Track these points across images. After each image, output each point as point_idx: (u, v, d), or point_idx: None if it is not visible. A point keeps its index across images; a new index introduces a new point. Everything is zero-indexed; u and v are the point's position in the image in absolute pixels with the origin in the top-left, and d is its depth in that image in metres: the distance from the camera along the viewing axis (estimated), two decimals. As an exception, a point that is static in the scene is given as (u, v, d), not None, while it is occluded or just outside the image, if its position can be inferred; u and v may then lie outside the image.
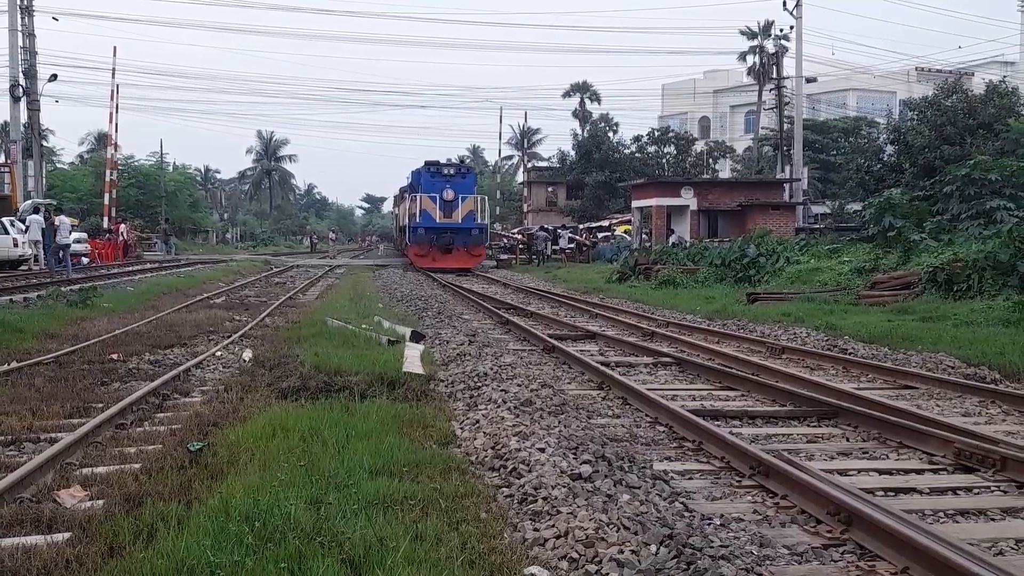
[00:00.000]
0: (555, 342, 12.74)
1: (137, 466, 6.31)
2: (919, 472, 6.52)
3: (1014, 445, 6.76)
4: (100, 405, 8.37)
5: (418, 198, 38.11)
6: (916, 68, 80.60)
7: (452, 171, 39.19)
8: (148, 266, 35.33)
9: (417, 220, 37.73)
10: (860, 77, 79.66)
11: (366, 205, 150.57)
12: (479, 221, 38.72)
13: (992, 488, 6.11)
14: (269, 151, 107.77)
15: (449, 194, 37.60)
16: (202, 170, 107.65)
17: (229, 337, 13.57)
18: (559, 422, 7.43)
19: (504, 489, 5.84)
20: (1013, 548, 5.02)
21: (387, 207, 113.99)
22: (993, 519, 5.53)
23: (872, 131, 56.18)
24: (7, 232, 29.71)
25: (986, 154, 30.02)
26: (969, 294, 17.54)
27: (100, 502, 5.55)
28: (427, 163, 39.56)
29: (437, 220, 37.20)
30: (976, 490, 6.08)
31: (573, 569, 4.52)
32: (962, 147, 34.30)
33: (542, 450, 6.43)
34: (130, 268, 32.95)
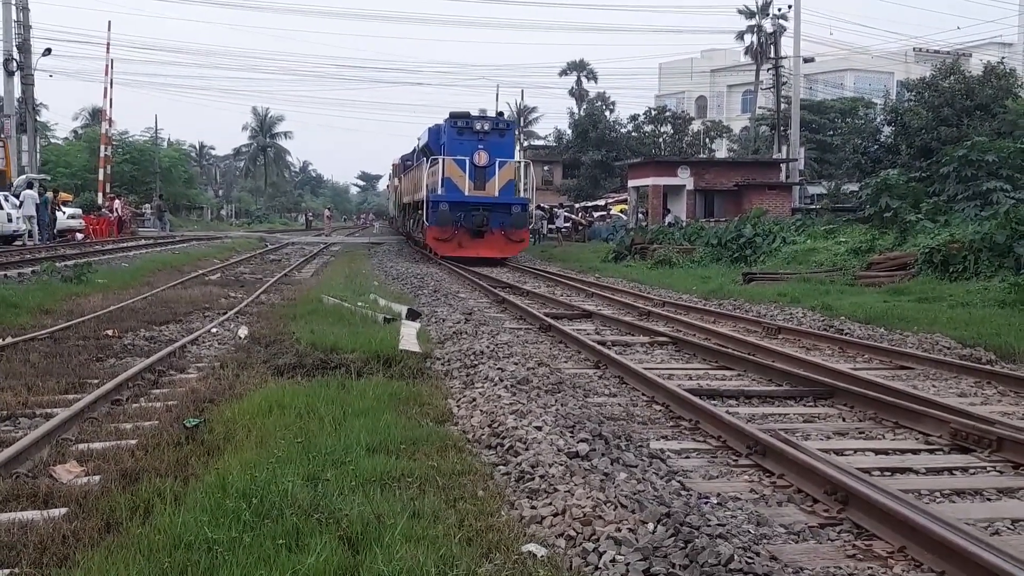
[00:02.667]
0: (552, 321, 12.73)
1: (133, 442, 6.30)
2: (915, 452, 6.54)
3: (1010, 426, 6.78)
4: (96, 381, 8.35)
5: (440, 163, 28.05)
6: (914, 49, 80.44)
7: (486, 126, 28.31)
8: (143, 242, 35.23)
9: (439, 192, 27.88)
10: (858, 57, 79.47)
11: (361, 183, 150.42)
12: (522, 194, 29.48)
13: (988, 468, 6.13)
14: (264, 127, 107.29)
15: (482, 157, 27.73)
16: (197, 146, 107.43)
17: (224, 314, 13.54)
18: (556, 400, 7.43)
19: (501, 467, 5.85)
20: (1009, 528, 5.05)
21: (382, 184, 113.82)
22: (989, 499, 5.55)
23: (869, 112, 55.98)
24: (1, 207, 29.56)
25: (983, 135, 29.97)
26: (965, 275, 17.55)
27: (96, 478, 5.55)
28: (452, 115, 28.57)
29: (466, 192, 27.39)
30: (972, 470, 6.10)
31: (570, 547, 4.52)
32: (959, 128, 34.26)
33: (539, 428, 6.43)
34: (125, 244, 32.85)
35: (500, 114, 30.98)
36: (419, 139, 34.29)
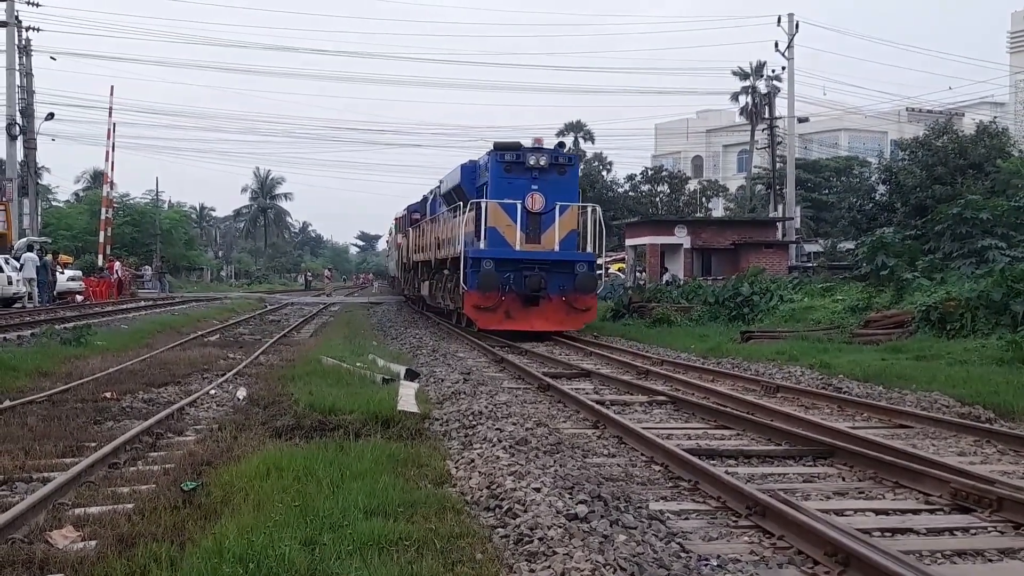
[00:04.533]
0: (550, 380, 12.71)
1: (130, 506, 6.26)
2: (915, 512, 6.49)
3: (1010, 485, 6.74)
4: (93, 444, 8.31)
5: (483, 209, 21.52)
6: (907, 108, 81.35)
7: (543, 160, 21.33)
8: (142, 304, 35.26)
9: (480, 246, 21.44)
10: (851, 117, 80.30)
11: (360, 243, 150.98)
12: (589, 249, 22.29)
13: (989, 529, 6.08)
14: (265, 189, 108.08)
15: (537, 201, 21.24)
16: (197, 208, 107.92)
17: (223, 375, 13.51)
18: (555, 461, 7.39)
19: (500, 529, 5.80)
20: (1011, 589, 5.00)
21: (381, 244, 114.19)
22: (990, 560, 5.50)
23: (864, 170, 56.52)
24: (1, 270, 29.64)
25: (977, 194, 30.19)
26: (962, 333, 17.57)
27: (93, 543, 5.50)
28: (498, 147, 21.69)
29: (517, 246, 21.00)
30: (973, 531, 6.05)
31: (569, 611, 4.47)
32: (953, 187, 34.52)
33: (538, 490, 6.39)
34: (124, 306, 32.87)
35: (560, 144, 22.84)
36: (441, 183, 27.86)
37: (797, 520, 5.70)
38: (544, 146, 21.70)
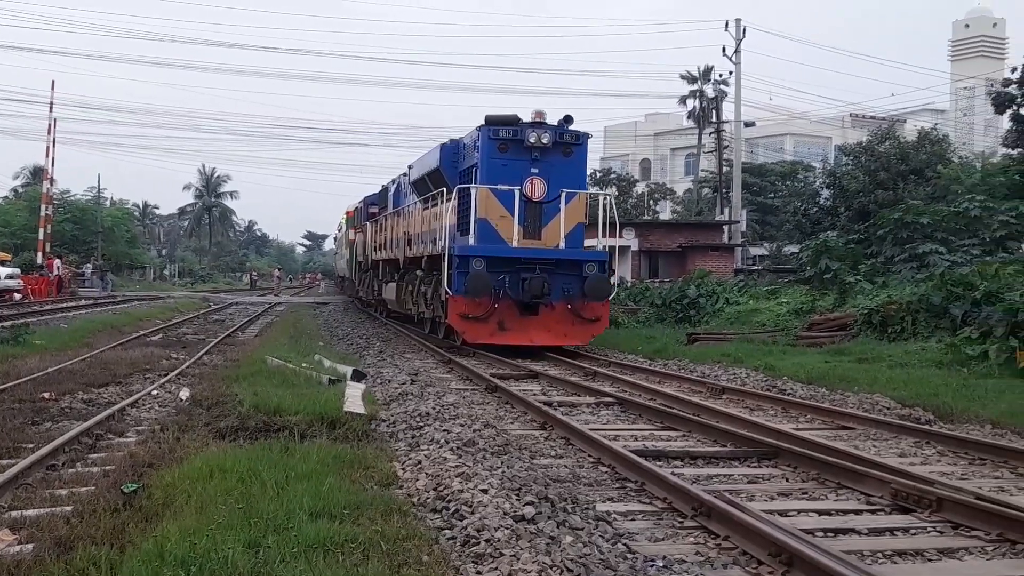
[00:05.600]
0: (498, 381, 12.72)
1: (69, 509, 6.14)
2: (857, 513, 6.58)
3: (949, 486, 6.87)
4: (31, 446, 8.13)
5: (472, 196, 17.79)
6: (851, 114, 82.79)
7: (545, 138, 17.50)
8: (83, 303, 34.62)
9: (470, 241, 17.84)
10: (797, 122, 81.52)
11: (307, 242, 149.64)
12: (598, 246, 19.07)
13: (929, 529, 6.19)
14: (210, 187, 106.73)
15: (538, 187, 17.58)
16: (140, 206, 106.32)
17: (166, 376, 13.32)
18: (502, 463, 7.39)
19: (446, 531, 5.78)
20: (950, 588, 5.08)
21: (328, 244, 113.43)
22: (930, 559, 5.59)
23: (808, 175, 57.38)
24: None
25: (918, 199, 30.83)
26: (903, 336, 17.90)
27: (29, 546, 5.39)
28: (490, 121, 17.69)
29: (514, 242, 17.38)
30: (913, 531, 6.15)
31: (516, 613, 4.47)
32: (895, 192, 35.17)
33: (485, 491, 6.38)
34: (64, 305, 32.24)
35: (567, 119, 17.88)
36: (410, 168, 23.60)
37: (742, 521, 5.75)
38: (547, 120, 17.74)
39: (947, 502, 6.40)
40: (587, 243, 19.12)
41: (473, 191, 17.61)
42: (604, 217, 18.10)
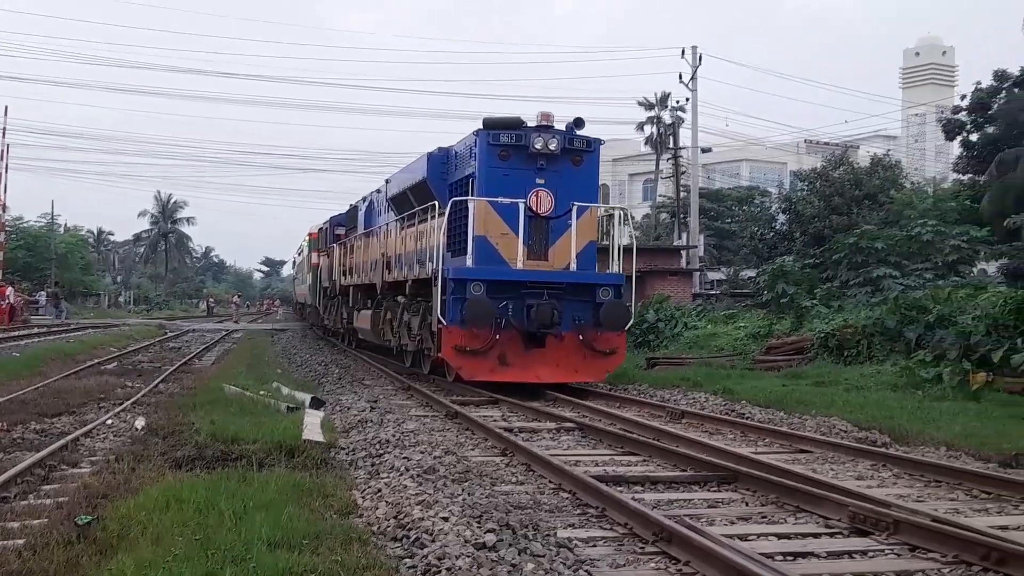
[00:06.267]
0: (458, 408, 12.68)
1: (21, 542, 6.02)
2: (816, 536, 6.62)
3: (906, 508, 6.94)
4: (-19, 477, 7.98)
5: (469, 209, 15.47)
6: (805, 140, 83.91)
7: (553, 144, 15.35)
8: (36, 331, 34.09)
9: (467, 263, 15.32)
10: (753, 148, 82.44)
11: (265, 268, 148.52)
12: (615, 266, 16.49)
13: (886, 551, 6.24)
14: (166, 213, 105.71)
15: (544, 200, 15.45)
16: (95, 232, 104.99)
17: (121, 404, 13.13)
18: (463, 490, 7.37)
19: (407, 560, 5.74)
20: (908, 610, 5.13)
21: (287, 270, 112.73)
22: (888, 582, 5.64)
23: (765, 200, 57.95)
24: None
25: (872, 224, 31.28)
26: (859, 359, 18.11)
27: (-20, 581, 5.28)
28: (489, 124, 15.61)
29: (518, 264, 15.20)
30: (871, 553, 6.20)
31: (478, 642, 4.44)
32: (849, 217, 35.65)
33: (446, 519, 6.35)
34: (16, 333, 31.72)
35: (577, 122, 15.65)
36: (387, 183, 21.11)
37: (702, 546, 5.76)
38: (554, 124, 15.59)
39: (904, 524, 6.46)
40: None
41: (471, 205, 15.21)
42: (620, 233, 16.22)
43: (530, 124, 15.50)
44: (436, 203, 16.15)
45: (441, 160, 17.15)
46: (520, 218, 14.93)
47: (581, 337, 15.07)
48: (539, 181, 15.28)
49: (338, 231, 29.12)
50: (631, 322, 16.17)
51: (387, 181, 21.17)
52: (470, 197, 15.34)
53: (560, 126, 15.67)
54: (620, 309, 15.36)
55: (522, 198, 14.99)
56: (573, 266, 15.39)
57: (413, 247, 17.59)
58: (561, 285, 15.12)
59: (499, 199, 15.05)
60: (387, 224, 20.50)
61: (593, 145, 15.88)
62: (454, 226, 15.63)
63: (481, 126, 15.49)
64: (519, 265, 15.04)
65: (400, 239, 18.82)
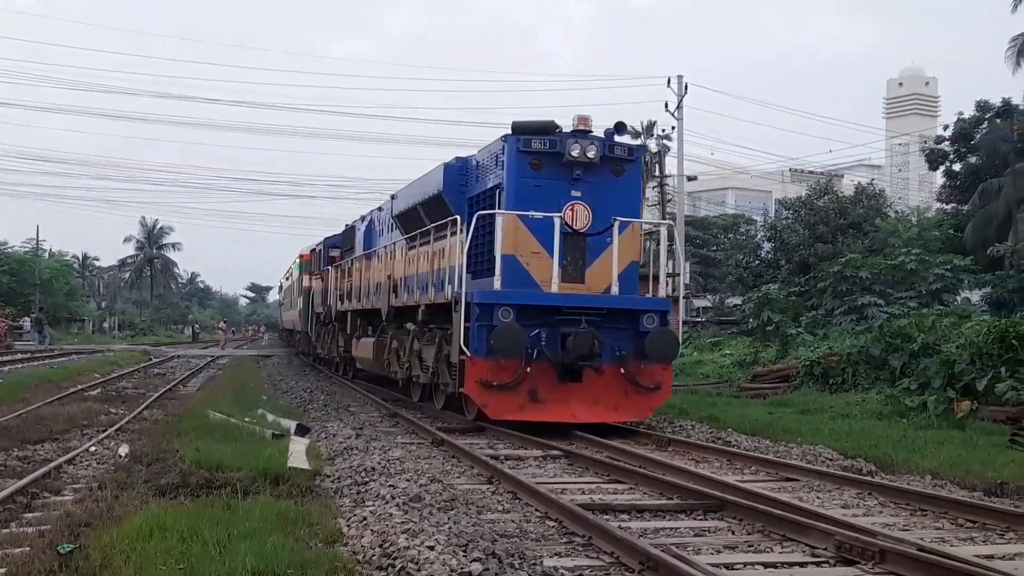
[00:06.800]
0: (444, 435, 12.62)
1: (2, 571, 5.95)
2: (802, 565, 6.61)
3: (892, 537, 6.94)
4: (-38, 505, 7.91)
5: (497, 224, 13.59)
6: (790, 169, 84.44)
7: (592, 152, 13.57)
8: (19, 356, 33.86)
9: (495, 285, 13.48)
10: (738, 177, 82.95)
11: (251, 294, 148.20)
12: (664, 290, 14.71)
13: (872, 580, 6.23)
14: (152, 239, 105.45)
15: (580, 214, 13.72)
16: (80, 257, 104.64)
17: (104, 431, 13.03)
18: (449, 518, 7.33)
19: (392, 589, 5.70)
20: (894, 640, 5.11)
21: (272, 296, 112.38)
22: (874, 611, 5.63)
23: (750, 228, 58.26)
24: None
25: (856, 252, 31.44)
26: (844, 387, 18.16)
27: (-41, 611, 5.21)
28: (520, 128, 13.88)
29: (553, 287, 13.38)
30: (857, 582, 6.19)
31: (463, 672, 4.41)
32: (834, 245, 35.86)
33: (431, 548, 6.31)
34: (-1, 358, 31.52)
35: (618, 127, 14.13)
36: (393, 199, 19.38)
37: (688, 575, 5.74)
38: (591, 129, 13.88)
39: (890, 553, 6.45)
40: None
41: (499, 219, 13.36)
42: (668, 250, 14.51)
43: (567, 130, 13.86)
44: (455, 219, 14.22)
45: (459, 171, 15.40)
46: (555, 235, 13.10)
47: (623, 370, 13.24)
48: (575, 193, 13.60)
49: (333, 253, 27.61)
50: (679, 348, 14.46)
51: (392, 197, 19.46)
52: (497, 211, 13.57)
53: (597, 132, 14.03)
54: (669, 338, 13.52)
55: (556, 212, 13.30)
56: (615, 289, 13.54)
57: (426, 268, 15.91)
58: (602, 311, 13.33)
59: (530, 213, 13.35)
60: (393, 244, 18.96)
61: (635, 153, 14.35)
62: (477, 244, 13.87)
63: (510, 130, 13.75)
64: (554, 288, 13.17)
65: (408, 260, 17.27)
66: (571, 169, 13.57)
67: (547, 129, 13.70)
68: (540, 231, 13.39)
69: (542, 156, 13.56)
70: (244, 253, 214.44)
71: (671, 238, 14.21)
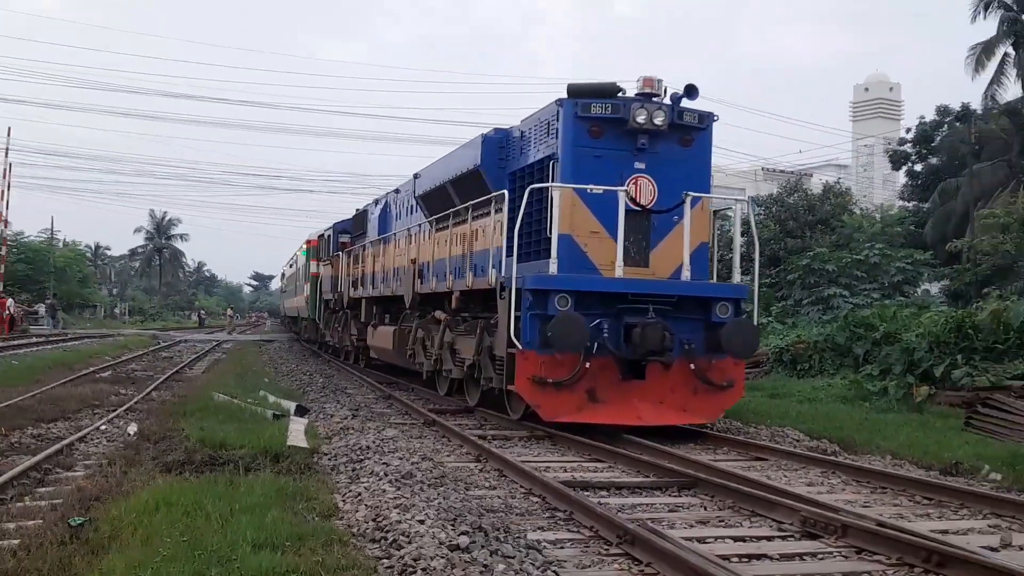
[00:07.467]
0: (435, 416, 12.62)
1: (16, 542, 5.94)
2: (769, 539, 6.63)
3: (853, 513, 6.98)
4: (-21, 480, 7.87)
5: (551, 200, 11.04)
6: (762, 168, 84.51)
7: (659, 119, 11.27)
8: (34, 340, 33.69)
9: (551, 269, 10.90)
10: (714, 175, 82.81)
11: (254, 283, 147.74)
12: (736, 274, 12.43)
13: (834, 554, 6.26)
14: (161, 230, 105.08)
15: (645, 189, 11.42)
16: (92, 247, 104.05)
17: (114, 411, 12.99)
18: (438, 494, 7.32)
19: (385, 560, 5.70)
20: (854, 609, 5.14)
21: (275, 284, 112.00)
22: (836, 582, 5.65)
23: (724, 224, 58.28)
24: None
25: (824, 247, 31.52)
26: (811, 372, 18.23)
27: (-25, 580, 5.20)
28: (576, 91, 11.49)
29: (618, 271, 10.94)
30: (820, 555, 6.22)
31: (450, 639, 4.41)
32: (803, 240, 35.89)
33: (422, 522, 6.31)
34: (15, 342, 31.32)
35: (689, 90, 11.47)
36: (415, 178, 17.01)
37: (663, 548, 5.76)
38: (658, 93, 11.58)
39: (851, 528, 6.48)
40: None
41: (555, 194, 10.94)
42: (742, 232, 12.46)
43: (632, 95, 11.60)
44: (502, 194, 12.02)
45: (499, 144, 13.16)
46: (620, 212, 10.81)
47: (693, 366, 11.06)
48: (639, 165, 11.41)
49: (343, 239, 25.22)
50: (758, 342, 12.36)
51: (415, 176, 17.00)
52: (552, 183, 11.22)
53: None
54: (749, 329, 11.32)
55: (622, 182, 11.13)
56: (686, 274, 11.35)
57: (459, 251, 13.83)
58: (672, 298, 11.14)
59: (590, 187, 11.11)
60: (418, 226, 16.65)
61: (706, 121, 11.88)
62: (526, 222, 11.46)
63: (565, 93, 11.47)
64: (618, 272, 10.90)
65: (436, 242, 15.16)
66: (635, 138, 11.32)
67: (609, 91, 11.45)
68: (600, 208, 11.15)
69: (603, 123, 11.27)
70: (248, 243, 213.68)
71: (746, 219, 12.13)
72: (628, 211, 10.89)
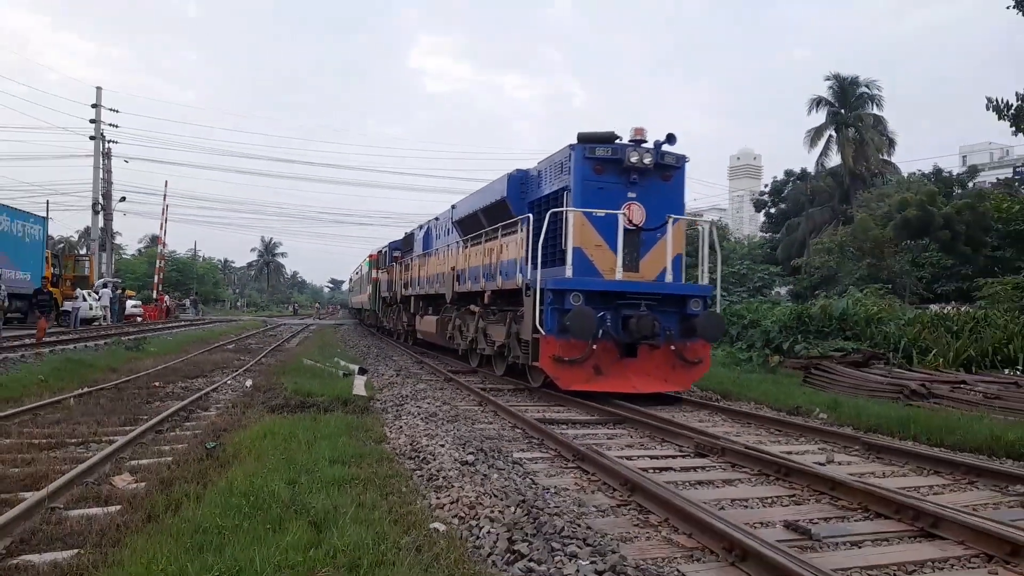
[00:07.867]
0: (452, 375, 12.56)
1: (170, 459, 5.90)
2: (674, 457, 6.64)
3: (729, 440, 6.99)
4: (145, 417, 7.82)
5: (566, 221, 10.05)
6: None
7: (647, 159, 10.34)
8: (182, 323, 33.43)
9: (567, 273, 9.94)
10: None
11: (331, 285, 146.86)
12: (704, 277, 11.10)
13: (717, 467, 6.27)
14: (268, 249, 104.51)
15: (636, 212, 10.43)
16: (222, 261, 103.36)
17: (236, 371, 12.90)
18: (454, 427, 7.31)
19: (417, 471, 5.69)
20: (729, 504, 5.16)
21: (346, 286, 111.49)
22: (717, 487, 5.66)
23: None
24: (86, 300, 27.89)
25: (710, 263, 31.56)
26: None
27: (142, 484, 5.17)
28: (585, 138, 10.45)
29: (618, 275, 10.01)
30: (707, 468, 6.22)
31: (461, 524, 4.41)
32: (695, 259, 36.01)
33: (442, 445, 6.31)
34: (170, 325, 31.08)
35: (669, 138, 10.62)
36: (453, 208, 15.85)
37: (603, 463, 5.76)
38: (645, 140, 10.85)
39: (728, 450, 6.50)
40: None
41: (569, 216, 10.17)
42: (708, 245, 11.28)
43: (626, 141, 10.89)
44: (527, 218, 11.10)
45: (520, 180, 12.36)
46: (619, 229, 10.15)
47: (673, 347, 10.27)
48: (631, 195, 10.68)
49: (395, 253, 23.93)
50: (722, 332, 11.29)
51: (453, 207, 15.95)
52: (567, 208, 10.40)
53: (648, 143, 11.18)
54: (717, 320, 10.49)
55: (619, 207, 10.44)
56: (669, 277, 10.62)
57: (486, 261, 12.93)
58: (658, 296, 10.41)
59: (596, 211, 10.41)
60: (456, 243, 15.39)
61: (681, 162, 11.08)
62: (546, 238, 10.40)
63: (576, 140, 10.81)
64: (617, 276, 10.17)
65: (468, 255, 14.18)
66: (628, 174, 10.59)
67: (609, 139, 10.80)
68: (603, 227, 10.43)
69: (604, 162, 10.54)
70: (327, 259, 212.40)
71: (712, 235, 11.37)
72: (624, 229, 10.31)
